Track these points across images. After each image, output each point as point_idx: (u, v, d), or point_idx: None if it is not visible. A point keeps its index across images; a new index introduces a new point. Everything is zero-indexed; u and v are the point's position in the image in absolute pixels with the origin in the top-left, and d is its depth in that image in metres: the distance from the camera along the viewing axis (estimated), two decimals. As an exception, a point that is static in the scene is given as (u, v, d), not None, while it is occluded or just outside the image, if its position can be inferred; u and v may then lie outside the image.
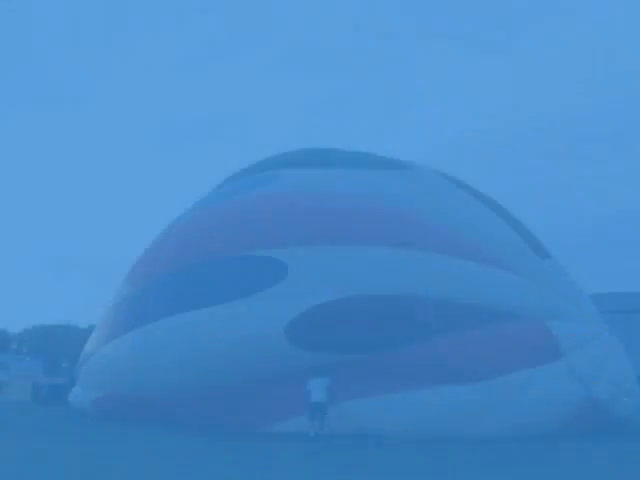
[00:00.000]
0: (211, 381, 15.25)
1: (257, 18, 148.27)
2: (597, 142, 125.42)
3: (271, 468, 10.01)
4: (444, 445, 12.30)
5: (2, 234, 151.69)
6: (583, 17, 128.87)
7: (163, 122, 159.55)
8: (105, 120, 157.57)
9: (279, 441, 13.15)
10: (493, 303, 13.86)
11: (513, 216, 16.42)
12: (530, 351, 13.59)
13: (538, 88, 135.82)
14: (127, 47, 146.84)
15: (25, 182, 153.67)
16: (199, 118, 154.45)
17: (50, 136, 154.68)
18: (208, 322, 15.32)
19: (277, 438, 13.55)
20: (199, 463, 10.47)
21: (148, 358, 16.32)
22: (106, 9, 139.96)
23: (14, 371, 46.21)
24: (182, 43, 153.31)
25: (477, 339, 13.55)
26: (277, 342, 14.29)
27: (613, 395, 14.07)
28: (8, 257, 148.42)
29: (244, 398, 14.92)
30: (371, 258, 14.67)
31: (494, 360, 13.44)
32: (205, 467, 10.06)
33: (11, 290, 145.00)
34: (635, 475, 9.59)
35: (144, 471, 9.63)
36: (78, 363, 21.24)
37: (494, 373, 13.35)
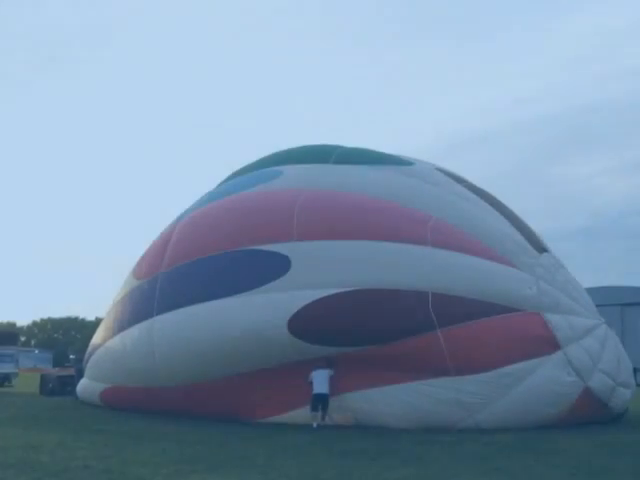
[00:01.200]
0: (215, 373, 15.57)
1: (260, 18, 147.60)
2: (595, 140, 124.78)
3: (273, 458, 10.27)
4: (443, 436, 12.54)
5: (11, 228, 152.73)
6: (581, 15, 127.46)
7: (166, 118, 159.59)
8: (111, 116, 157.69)
9: (281, 432, 13.40)
10: (491, 296, 14.05)
11: (511, 210, 16.55)
12: (528, 344, 13.77)
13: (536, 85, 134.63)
14: (128, 43, 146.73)
15: (35, 177, 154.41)
16: (201, 115, 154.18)
17: (55, 135, 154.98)
18: (212, 315, 15.61)
19: (280, 429, 13.81)
20: (201, 453, 10.75)
21: (154, 351, 16.65)
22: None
23: (22, 363, 46.57)
24: (181, 42, 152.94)
25: (475, 332, 13.74)
26: (280, 335, 14.55)
27: (610, 387, 14.28)
28: (17, 250, 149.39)
29: (247, 390, 15.22)
30: (373, 252, 14.86)
31: (492, 352, 13.64)
32: (207, 457, 10.33)
33: (20, 283, 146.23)
34: (632, 466, 9.75)
35: (145, 463, 9.87)
36: (85, 355, 21.58)
37: (492, 365, 13.56)
